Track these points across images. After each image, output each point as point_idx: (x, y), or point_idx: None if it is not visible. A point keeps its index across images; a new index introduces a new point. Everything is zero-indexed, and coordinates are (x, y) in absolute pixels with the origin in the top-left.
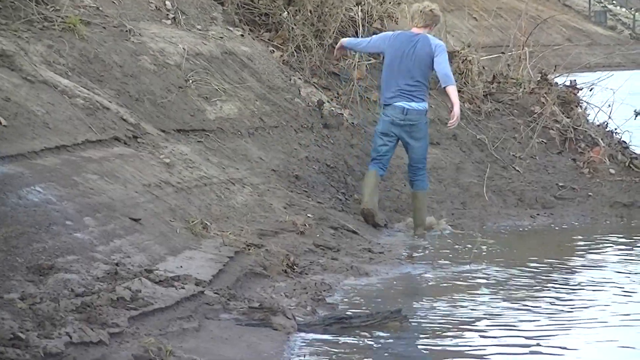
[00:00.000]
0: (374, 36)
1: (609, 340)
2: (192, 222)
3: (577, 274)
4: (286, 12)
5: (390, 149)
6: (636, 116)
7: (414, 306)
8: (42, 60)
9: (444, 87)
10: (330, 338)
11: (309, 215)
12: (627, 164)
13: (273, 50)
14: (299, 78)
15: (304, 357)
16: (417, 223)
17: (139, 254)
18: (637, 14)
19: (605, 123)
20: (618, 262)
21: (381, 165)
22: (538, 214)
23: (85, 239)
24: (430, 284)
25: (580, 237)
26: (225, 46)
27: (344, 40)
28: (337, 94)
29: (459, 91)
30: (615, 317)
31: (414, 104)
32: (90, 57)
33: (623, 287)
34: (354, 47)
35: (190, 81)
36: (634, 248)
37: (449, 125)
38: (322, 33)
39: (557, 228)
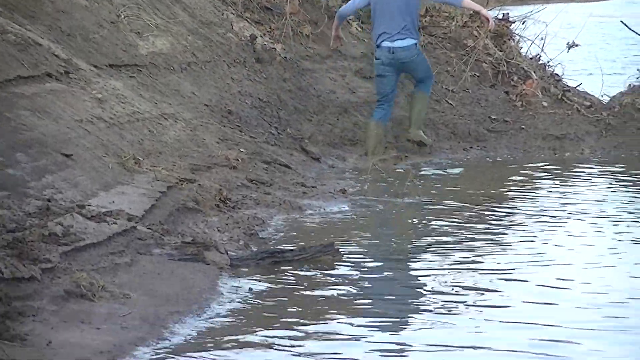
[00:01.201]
0: None
1: (538, 266)
2: (125, 157)
3: (510, 205)
4: None
5: (392, 87)
6: (569, 49)
7: (347, 240)
8: None
9: (462, 6)
10: (263, 272)
11: (241, 149)
12: (559, 96)
13: None
14: (232, 12)
15: (236, 291)
16: (411, 121)
17: (71, 189)
18: None
19: (538, 56)
20: (550, 193)
21: (384, 108)
22: (471, 147)
23: (17, 175)
24: (363, 218)
25: (513, 169)
26: None
27: (338, 15)
28: (270, 28)
29: None
30: (548, 246)
31: (398, 42)
32: None
33: (555, 217)
34: (346, 14)
35: (122, 16)
36: (566, 180)
37: (489, 28)
38: None
39: (490, 161)
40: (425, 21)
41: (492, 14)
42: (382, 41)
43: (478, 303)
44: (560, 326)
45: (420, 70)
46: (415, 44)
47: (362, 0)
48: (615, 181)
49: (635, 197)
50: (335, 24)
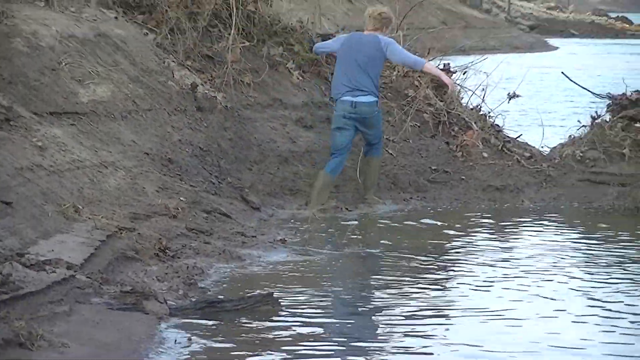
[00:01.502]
0: (328, 40)
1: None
2: (64, 205)
3: (448, 257)
4: None
5: (348, 141)
6: (509, 99)
7: (286, 291)
8: None
9: (421, 71)
10: (202, 322)
11: (181, 198)
12: (500, 147)
13: (147, 33)
14: (173, 61)
15: (175, 341)
16: (367, 186)
17: (10, 237)
18: None
19: (479, 106)
20: (486, 245)
21: (337, 161)
22: (411, 198)
23: None
24: (303, 268)
25: (452, 220)
26: (99, 28)
27: (314, 50)
28: (211, 76)
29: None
30: (489, 296)
31: (361, 98)
32: None
33: (486, 273)
34: (319, 50)
35: (64, 64)
36: (504, 232)
37: (450, 91)
38: (196, 15)
39: (430, 211)
40: None
41: (434, 63)
42: (344, 93)
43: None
44: None
45: (376, 129)
46: (376, 101)
47: (334, 46)
48: (555, 233)
49: (573, 247)
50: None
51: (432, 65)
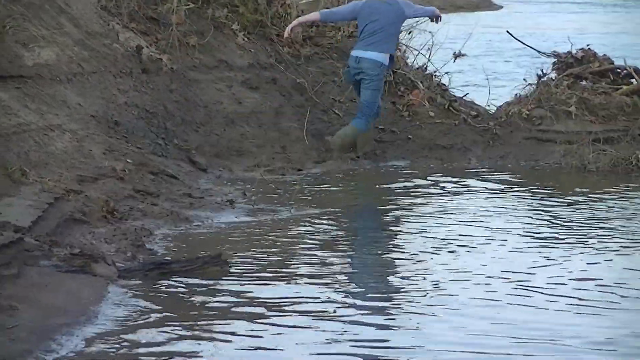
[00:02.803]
0: (345, 5)
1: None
2: (11, 168)
3: (394, 216)
4: None
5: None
6: (455, 59)
7: (234, 251)
8: None
9: (436, 18)
10: (150, 283)
11: (128, 160)
12: (446, 106)
13: None
14: (118, 23)
15: (124, 302)
16: (335, 135)
17: None
18: None
19: (425, 66)
20: (432, 206)
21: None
22: (358, 157)
23: None
24: (250, 229)
25: (399, 179)
26: None
27: (320, 13)
28: (156, 39)
29: (277, 35)
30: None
31: (368, 53)
32: None
33: (441, 226)
34: (330, 18)
35: (8, 27)
36: (451, 190)
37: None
38: None
39: (377, 170)
40: (311, 31)
41: None
42: (355, 49)
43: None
44: None
45: (367, 91)
46: (382, 64)
47: (346, 14)
48: (501, 191)
49: (519, 206)
50: (304, 20)
51: (435, 10)
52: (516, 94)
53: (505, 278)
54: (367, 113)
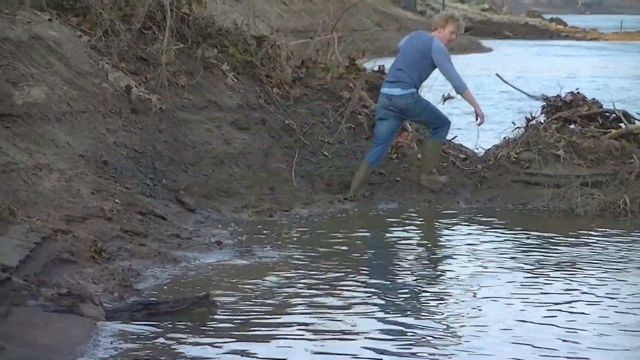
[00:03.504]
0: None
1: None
2: None
3: (382, 257)
4: None
5: (388, 131)
6: (444, 101)
7: (222, 292)
8: None
9: (462, 93)
10: (138, 324)
11: (116, 200)
12: None
13: (81, 35)
14: (107, 63)
15: (111, 343)
16: (421, 167)
17: None
18: None
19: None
20: (420, 248)
21: (378, 150)
22: (346, 199)
23: None
24: (238, 270)
25: (386, 221)
26: (33, 31)
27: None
28: (146, 78)
29: (267, 76)
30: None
31: (396, 90)
32: None
33: (430, 267)
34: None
35: None
36: (439, 232)
37: (477, 124)
38: (130, 17)
39: (365, 213)
40: (301, 73)
41: (369, 65)
42: (384, 85)
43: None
44: None
45: (425, 117)
46: (411, 94)
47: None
48: (487, 234)
49: (506, 248)
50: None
51: (469, 94)
52: (505, 137)
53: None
54: (442, 124)
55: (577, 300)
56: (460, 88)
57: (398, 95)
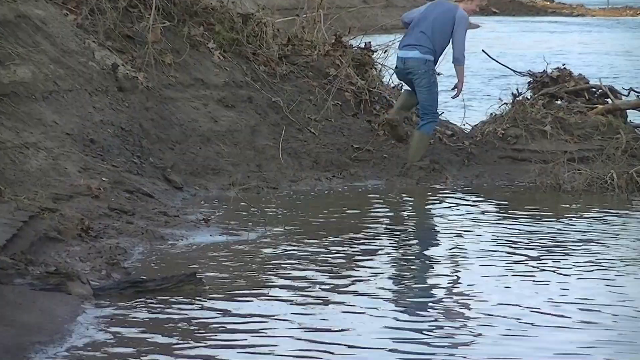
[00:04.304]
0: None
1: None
2: None
3: (366, 235)
4: None
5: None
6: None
7: (209, 270)
8: None
9: (458, 65)
10: (125, 302)
11: (103, 179)
12: None
13: (67, 14)
14: (93, 41)
15: (98, 321)
16: (409, 159)
17: None
18: None
19: (400, 85)
20: (408, 224)
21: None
22: (334, 176)
23: None
24: (225, 247)
25: (373, 198)
26: (19, 9)
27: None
28: (132, 57)
29: (253, 53)
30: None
31: (413, 52)
32: None
33: (418, 245)
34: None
35: None
36: (428, 209)
37: (452, 97)
38: None
39: (352, 190)
40: (287, 50)
41: (356, 42)
42: (401, 48)
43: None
44: None
45: (423, 93)
46: (427, 60)
47: (418, 11)
48: (475, 211)
49: (491, 227)
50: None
51: (462, 71)
52: (491, 113)
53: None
54: (430, 113)
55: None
56: (460, 60)
57: (413, 57)
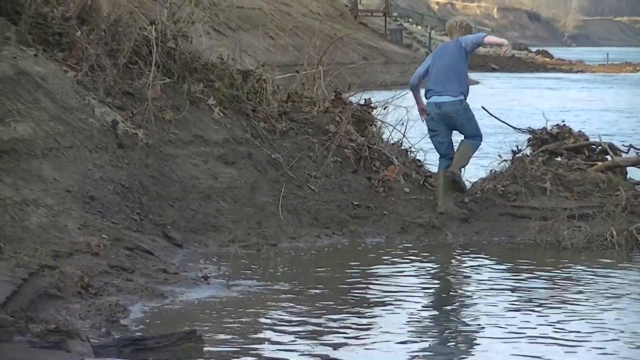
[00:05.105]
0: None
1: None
2: None
3: (368, 292)
4: (79, 32)
5: (446, 140)
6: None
7: (209, 327)
8: None
9: (484, 40)
10: None
11: (103, 235)
12: (421, 182)
13: (67, 70)
14: (93, 98)
15: None
16: (454, 162)
17: None
18: (432, 32)
19: (400, 141)
20: (408, 282)
21: (448, 159)
22: (334, 233)
23: None
24: (225, 305)
25: (373, 255)
26: (19, 66)
27: (411, 89)
28: (132, 113)
29: (253, 110)
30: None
31: (444, 97)
32: None
33: (409, 309)
34: (415, 85)
35: None
36: (427, 266)
37: (502, 54)
38: (116, 52)
39: (353, 247)
40: (287, 107)
41: (355, 99)
42: (431, 96)
43: None
44: None
45: (467, 126)
46: (461, 100)
47: (422, 66)
48: (478, 267)
49: (497, 283)
50: (415, 97)
51: (491, 36)
52: (491, 170)
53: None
54: (479, 135)
55: (570, 332)
56: (479, 37)
57: (448, 102)
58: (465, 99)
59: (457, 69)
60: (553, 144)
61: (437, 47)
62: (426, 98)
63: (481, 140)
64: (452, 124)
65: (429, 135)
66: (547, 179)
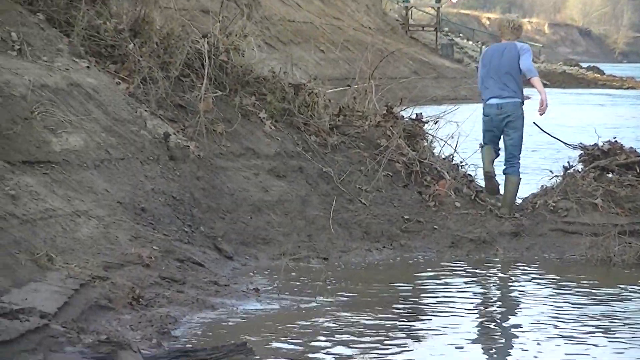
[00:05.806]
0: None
1: None
2: (37, 254)
3: (418, 305)
4: (132, 44)
5: (494, 141)
6: (482, 149)
7: (259, 340)
8: None
9: (529, 79)
10: None
11: (154, 247)
12: (472, 197)
13: (119, 82)
14: (145, 110)
15: None
16: (503, 203)
17: None
18: (483, 47)
19: (451, 156)
20: (459, 297)
21: (513, 164)
22: (384, 247)
23: None
24: (275, 317)
25: (424, 269)
26: (71, 78)
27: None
28: (184, 126)
29: (305, 124)
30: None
31: (506, 99)
32: None
33: (459, 325)
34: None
35: (36, 113)
36: (479, 281)
37: (539, 111)
38: (168, 65)
39: (403, 261)
40: (338, 120)
41: (406, 113)
42: (491, 99)
43: None
44: None
45: (516, 136)
46: (521, 103)
47: (480, 70)
48: (529, 282)
49: (547, 298)
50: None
51: (539, 81)
52: (542, 186)
53: None
54: (517, 156)
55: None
56: (531, 72)
57: (510, 102)
58: (523, 104)
59: (516, 71)
60: (604, 160)
61: (489, 48)
62: (484, 100)
63: (519, 164)
64: (507, 125)
65: (483, 132)
66: (598, 195)
